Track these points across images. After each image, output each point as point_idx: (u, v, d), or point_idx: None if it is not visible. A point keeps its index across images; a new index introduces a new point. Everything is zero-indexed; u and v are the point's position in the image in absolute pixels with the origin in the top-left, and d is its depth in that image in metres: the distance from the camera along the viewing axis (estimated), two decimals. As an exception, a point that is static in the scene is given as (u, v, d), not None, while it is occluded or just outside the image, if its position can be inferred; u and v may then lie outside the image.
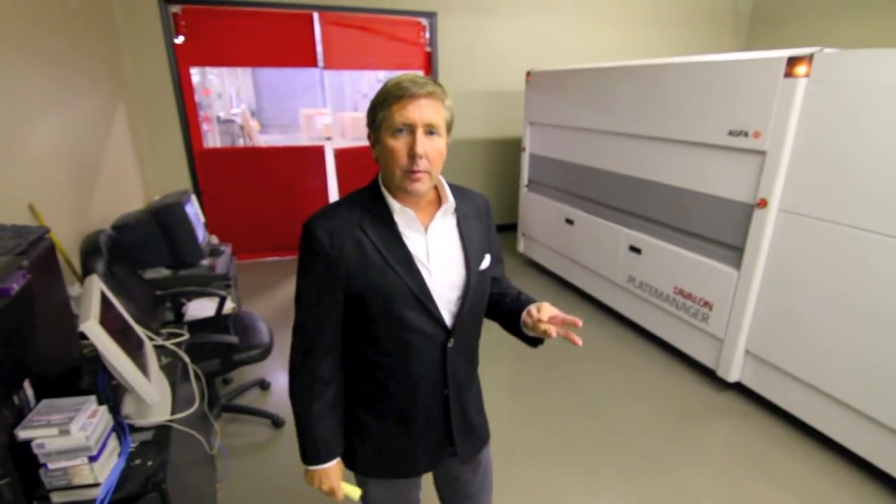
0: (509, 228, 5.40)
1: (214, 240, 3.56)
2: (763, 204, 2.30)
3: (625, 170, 3.21)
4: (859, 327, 2.04)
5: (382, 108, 0.93)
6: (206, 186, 4.29)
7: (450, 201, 1.02)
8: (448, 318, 1.03)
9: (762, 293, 2.42)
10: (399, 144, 0.92)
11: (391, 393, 1.07)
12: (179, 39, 3.91)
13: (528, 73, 4.08)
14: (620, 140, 3.20)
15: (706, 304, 2.69)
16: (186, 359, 1.64)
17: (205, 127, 7.67)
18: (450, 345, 1.04)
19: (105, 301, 1.35)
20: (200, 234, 2.72)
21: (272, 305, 3.74)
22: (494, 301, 1.16)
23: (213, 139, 7.96)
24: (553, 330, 1.03)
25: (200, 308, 2.78)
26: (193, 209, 2.76)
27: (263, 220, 4.55)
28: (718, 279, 2.60)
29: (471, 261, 1.04)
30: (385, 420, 1.09)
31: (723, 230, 2.57)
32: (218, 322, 2.42)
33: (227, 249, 2.96)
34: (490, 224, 1.15)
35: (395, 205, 0.98)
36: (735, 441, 2.39)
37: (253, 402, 2.65)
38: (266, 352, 2.23)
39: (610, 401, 2.67)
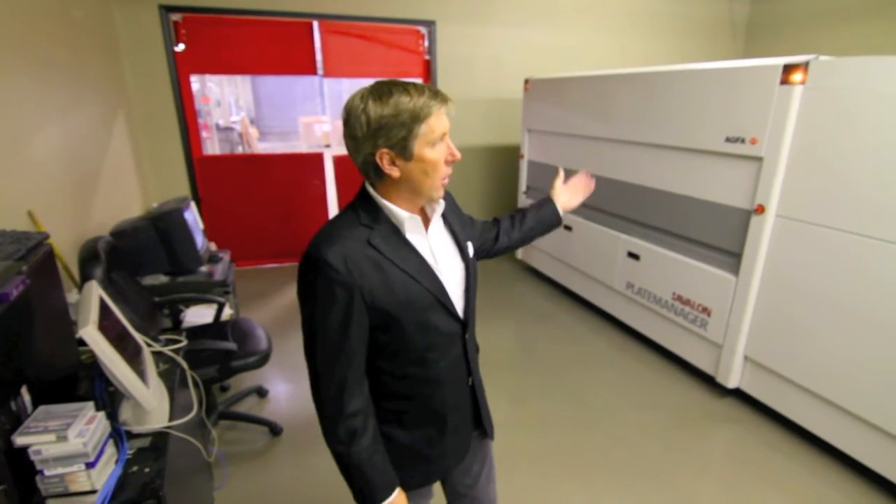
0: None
1: (213, 246, 3.56)
2: (761, 210, 2.31)
3: (623, 176, 3.22)
4: (857, 332, 2.04)
5: (421, 122, 0.89)
6: (205, 193, 4.30)
7: (441, 202, 1.05)
8: (461, 312, 1.06)
9: (760, 299, 2.42)
10: (439, 155, 0.94)
11: (417, 399, 1.06)
12: (180, 47, 3.93)
13: (527, 81, 4.10)
14: (618, 147, 3.22)
15: (705, 310, 2.70)
16: (185, 365, 1.64)
17: (204, 134, 7.69)
18: (467, 336, 1.09)
19: (103, 307, 1.35)
20: (199, 240, 2.72)
21: (271, 312, 3.73)
22: (521, 228, 1.37)
23: (212, 146, 7.98)
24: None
25: (199, 315, 2.78)
26: (192, 216, 2.76)
27: (262, 228, 4.55)
28: (717, 285, 2.60)
29: (465, 253, 1.11)
30: (419, 430, 1.08)
31: (721, 236, 2.58)
32: (216, 329, 2.41)
33: (225, 256, 2.96)
34: (461, 213, 1.22)
35: (404, 214, 0.96)
36: (735, 448, 2.38)
37: (251, 409, 2.64)
38: (264, 358, 2.22)
39: (610, 407, 2.66)
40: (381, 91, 0.90)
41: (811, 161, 2.13)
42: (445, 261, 1.05)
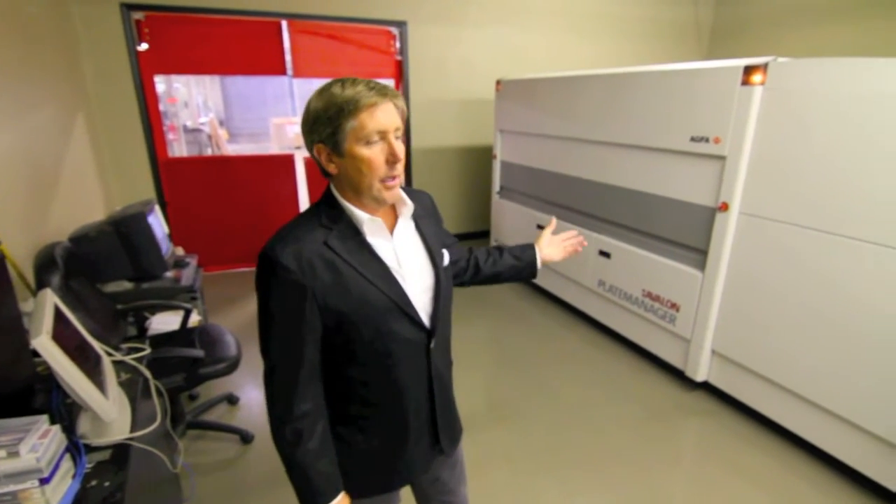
0: (482, 235, 5.43)
1: (180, 251, 3.47)
2: (724, 207, 2.38)
3: (593, 176, 3.27)
4: (816, 324, 2.12)
5: (348, 117, 0.86)
6: (172, 197, 4.19)
7: (409, 204, 1.02)
8: (427, 321, 1.03)
9: (726, 294, 2.49)
10: (375, 153, 0.89)
11: (380, 407, 1.04)
12: (143, 47, 3.82)
13: (498, 82, 4.12)
14: (588, 147, 3.26)
15: (673, 305, 2.76)
16: (147, 374, 1.59)
17: (170, 136, 7.50)
18: (432, 346, 1.04)
19: (59, 316, 1.29)
20: (164, 245, 2.64)
21: (240, 318, 3.65)
22: (494, 264, 1.31)
23: (179, 149, 7.78)
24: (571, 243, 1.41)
25: (165, 322, 2.70)
26: (157, 220, 2.68)
27: (231, 231, 4.45)
28: (684, 281, 2.66)
29: (436, 259, 1.06)
30: (377, 436, 1.06)
31: (687, 233, 2.64)
32: (183, 336, 2.35)
33: (192, 261, 2.89)
34: (439, 219, 1.18)
35: (363, 215, 0.94)
36: (704, 439, 2.44)
37: (221, 417, 2.58)
38: (233, 365, 2.17)
39: (583, 403, 2.69)
40: (324, 85, 0.90)
41: (771, 159, 2.20)
42: (411, 266, 1.02)
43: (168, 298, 2.52)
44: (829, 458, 2.17)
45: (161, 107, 4.70)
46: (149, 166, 4.02)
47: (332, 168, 0.93)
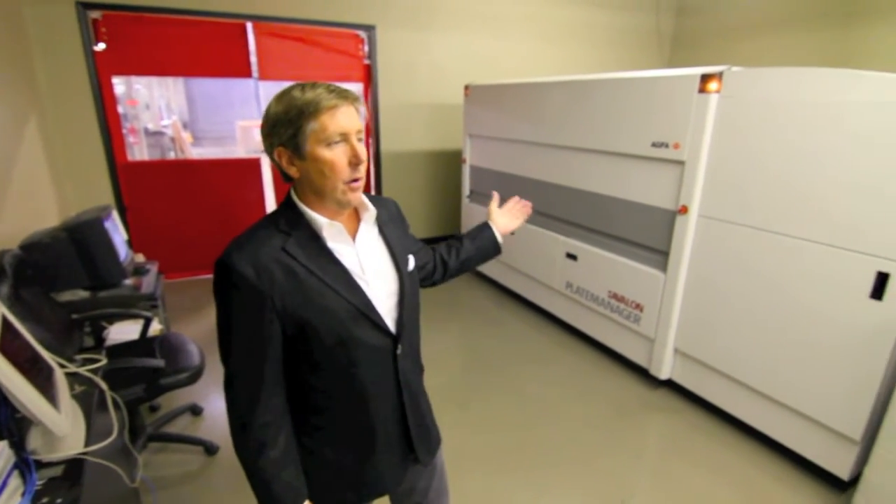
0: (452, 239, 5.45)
1: (141, 258, 3.36)
2: (684, 210, 2.46)
3: (560, 180, 3.33)
4: (771, 321, 2.21)
5: (309, 119, 0.86)
6: (132, 201, 4.05)
7: (370, 209, 1.02)
8: (392, 326, 1.02)
9: (687, 294, 2.57)
10: (338, 155, 0.89)
11: (346, 416, 1.02)
12: (100, 47, 3.69)
13: (467, 87, 4.16)
14: (555, 152, 3.32)
15: (638, 306, 2.83)
16: (103, 386, 1.53)
17: (131, 139, 7.26)
18: (398, 352, 1.03)
19: (7, 327, 1.24)
20: (122, 252, 2.55)
21: (204, 326, 3.56)
22: (458, 254, 1.34)
23: (140, 152, 7.53)
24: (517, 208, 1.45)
25: (124, 331, 2.60)
26: (114, 225, 2.59)
27: (195, 237, 4.33)
28: (647, 282, 2.73)
29: (400, 265, 1.06)
30: (344, 446, 1.04)
31: (650, 236, 2.71)
32: (143, 345, 2.27)
33: (153, 268, 2.80)
34: (405, 225, 1.18)
35: (322, 220, 0.93)
36: (668, 435, 2.51)
37: (184, 429, 2.50)
38: (196, 374, 2.11)
39: (552, 403, 2.73)
40: (284, 89, 0.90)
41: (727, 164, 2.29)
42: (375, 272, 1.01)
43: (127, 307, 2.43)
44: (786, 449, 2.27)
45: (120, 109, 4.55)
46: (107, 170, 3.88)
47: (293, 171, 0.92)
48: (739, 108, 2.21)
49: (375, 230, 1.06)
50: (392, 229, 1.10)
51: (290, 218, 0.94)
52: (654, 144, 2.56)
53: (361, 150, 0.91)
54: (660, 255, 2.68)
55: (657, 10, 5.79)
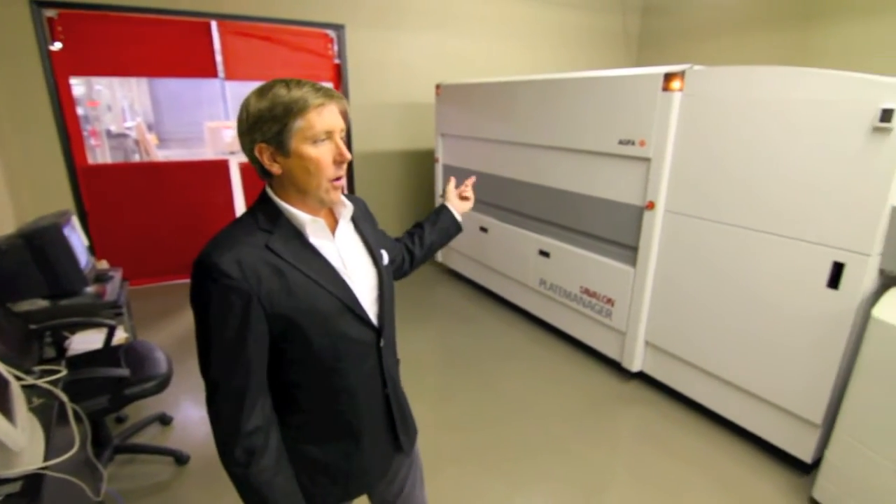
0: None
1: (104, 264, 3.25)
2: (651, 206, 2.51)
3: (531, 178, 3.36)
4: (735, 311, 2.28)
5: (296, 117, 0.86)
6: (93, 206, 3.91)
7: (348, 205, 1.03)
8: (375, 319, 1.04)
9: (656, 288, 2.63)
10: (323, 153, 0.90)
11: (330, 411, 1.01)
12: (56, 46, 3.56)
13: (438, 87, 4.16)
14: (526, 150, 3.35)
15: (609, 300, 2.88)
16: (64, 398, 1.48)
17: (92, 142, 7.01)
18: (381, 344, 1.05)
19: (-45, 339, 1.18)
20: (83, 258, 2.46)
21: (174, 332, 3.47)
22: (421, 241, 1.38)
23: (102, 155, 7.29)
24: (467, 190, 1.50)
25: (87, 341, 2.52)
26: (74, 231, 2.50)
27: (162, 241, 4.21)
28: (618, 277, 2.78)
29: (377, 259, 1.08)
30: (333, 444, 1.03)
31: (619, 231, 2.77)
32: (107, 354, 2.20)
33: (116, 275, 2.71)
34: (374, 221, 1.21)
35: (305, 216, 0.93)
36: (641, 426, 2.56)
37: (153, 439, 2.44)
38: (163, 383, 2.05)
39: (528, 399, 2.75)
40: (264, 86, 0.89)
41: (690, 160, 2.35)
42: (356, 266, 1.02)
43: (89, 315, 2.35)
44: (753, 436, 2.34)
45: (81, 111, 4.40)
46: (66, 174, 3.74)
47: (275, 168, 0.91)
48: (701, 105, 2.27)
49: (352, 226, 1.08)
50: (366, 225, 1.12)
51: (269, 215, 0.93)
52: (621, 142, 2.61)
53: (344, 148, 0.93)
54: (629, 250, 2.73)
55: (623, 10, 5.90)
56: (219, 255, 0.85)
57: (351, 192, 4.82)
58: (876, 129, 1.72)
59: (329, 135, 0.90)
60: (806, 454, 2.14)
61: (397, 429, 1.13)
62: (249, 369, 0.89)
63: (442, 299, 4.16)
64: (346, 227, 1.04)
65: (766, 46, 4.83)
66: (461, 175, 4.12)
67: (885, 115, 1.68)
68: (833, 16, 4.32)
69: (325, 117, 0.89)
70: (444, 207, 1.46)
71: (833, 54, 4.33)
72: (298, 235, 0.94)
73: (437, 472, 2.18)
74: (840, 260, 1.89)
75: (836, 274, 1.91)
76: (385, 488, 1.25)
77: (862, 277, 1.84)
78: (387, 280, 1.09)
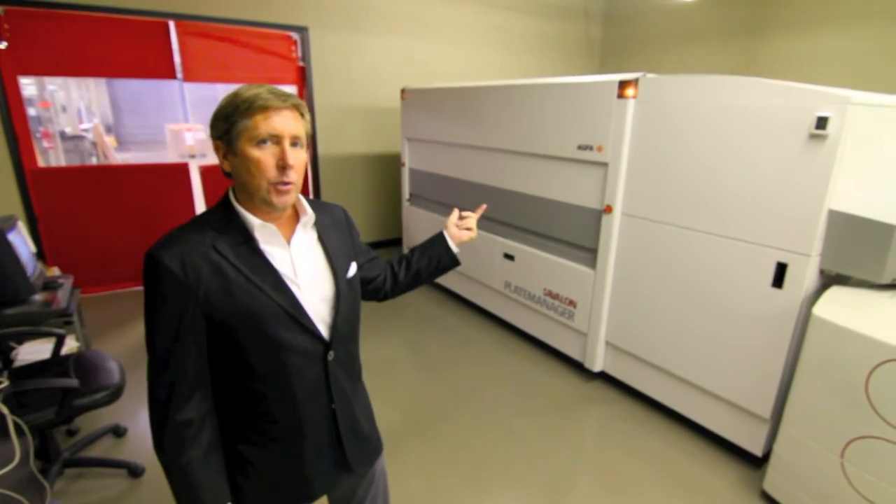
0: (394, 243, 5.44)
1: (56, 271, 3.13)
2: (609, 210, 2.58)
3: (496, 182, 3.40)
4: (689, 311, 2.36)
5: (242, 117, 0.88)
6: (43, 211, 3.75)
7: (308, 213, 1.03)
8: (325, 331, 1.02)
9: (615, 289, 2.69)
10: (265, 155, 0.90)
11: (274, 419, 1.00)
12: (2, 45, 3.41)
13: (403, 91, 4.17)
14: (489, 154, 3.39)
15: (571, 302, 2.93)
16: (4, 410, 1.41)
17: (45, 144, 6.74)
18: (330, 357, 1.03)
19: None
20: (30, 265, 2.36)
21: (130, 340, 3.35)
22: (408, 266, 1.32)
23: (56, 157, 7.00)
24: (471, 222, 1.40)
25: (36, 351, 2.42)
26: (20, 237, 2.39)
27: (117, 248, 4.06)
28: (579, 279, 2.84)
29: (337, 271, 1.06)
30: (271, 449, 1.02)
31: (579, 234, 2.83)
32: (55, 364, 2.11)
33: (66, 282, 2.61)
34: (352, 232, 1.18)
35: (254, 221, 0.94)
36: (603, 425, 2.62)
37: (106, 451, 2.35)
38: (115, 393, 1.98)
39: (492, 401, 2.78)
40: (236, 88, 0.93)
41: (646, 165, 2.42)
42: (308, 276, 1.01)
43: (36, 324, 2.25)
44: (707, 431, 2.42)
45: (32, 111, 4.22)
46: (13, 177, 3.58)
47: (226, 166, 0.95)
48: (653, 112, 2.34)
49: (314, 235, 1.06)
50: (333, 236, 1.10)
51: (225, 216, 0.95)
52: (579, 147, 2.67)
53: (292, 154, 0.92)
54: (589, 252, 2.79)
55: (586, 19, 6.04)
56: (164, 250, 0.88)
57: (317, 197, 4.78)
58: (812, 136, 1.82)
59: (274, 139, 0.90)
60: (756, 448, 2.22)
61: (345, 447, 1.09)
62: (183, 364, 0.91)
63: (410, 302, 4.15)
64: (304, 235, 1.03)
65: (718, 56, 5.04)
66: (427, 180, 4.13)
67: (821, 122, 1.78)
68: (777, 29, 4.55)
69: (272, 120, 0.89)
70: (439, 234, 1.37)
71: (777, 65, 4.55)
72: (250, 239, 0.94)
73: (402, 476, 2.17)
74: (783, 260, 1.98)
75: (780, 274, 2.00)
76: None
77: (804, 277, 1.94)
78: (346, 292, 1.06)
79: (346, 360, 1.09)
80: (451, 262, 1.37)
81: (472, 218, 1.43)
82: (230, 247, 0.92)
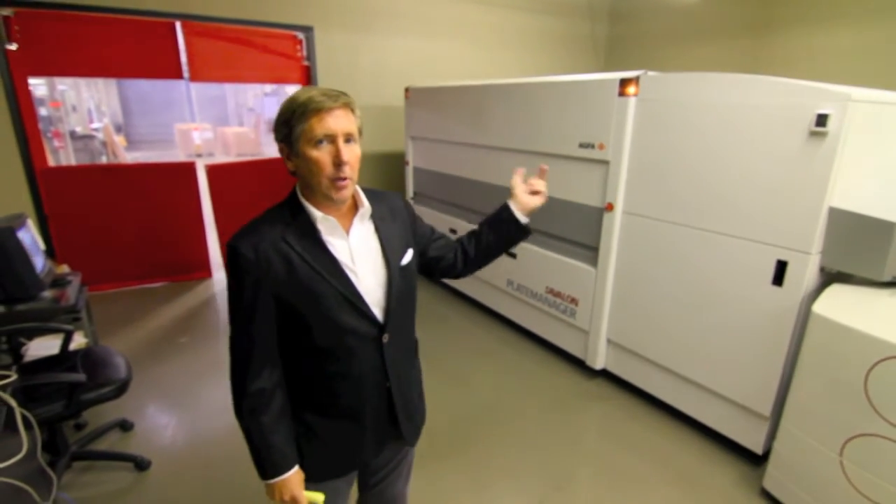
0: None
1: (65, 268, 3.18)
2: (610, 208, 2.58)
3: (499, 181, 3.41)
4: (689, 309, 2.36)
5: (299, 121, 0.96)
6: (54, 209, 3.81)
7: (365, 206, 1.09)
8: (380, 315, 1.09)
9: (616, 287, 2.70)
10: (322, 154, 0.97)
11: (338, 394, 1.10)
12: (12, 46, 3.46)
13: (407, 90, 4.18)
14: (493, 153, 3.40)
15: (573, 300, 2.94)
16: (12, 403, 1.45)
17: (56, 143, 6.83)
18: (385, 340, 1.10)
19: None
20: (39, 262, 2.41)
21: (137, 337, 3.40)
22: (478, 241, 1.32)
23: (66, 157, 7.10)
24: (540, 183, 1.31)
25: (45, 346, 2.46)
26: (29, 235, 2.44)
27: (126, 246, 4.12)
28: (581, 277, 2.85)
29: (391, 259, 1.11)
30: (334, 419, 1.12)
31: (581, 232, 2.83)
32: (63, 360, 2.16)
33: (75, 279, 2.65)
34: (411, 218, 1.24)
35: (317, 214, 1.02)
36: (604, 422, 2.63)
37: (113, 445, 2.39)
38: (122, 388, 2.02)
39: (494, 398, 2.79)
40: (294, 92, 1.00)
41: (647, 163, 2.42)
42: (365, 264, 1.08)
43: (45, 320, 2.30)
44: (708, 429, 2.42)
45: (43, 111, 4.28)
46: (24, 176, 3.64)
47: (290, 166, 1.03)
48: (655, 110, 2.34)
49: (371, 226, 1.12)
50: (390, 224, 1.15)
51: (292, 210, 1.04)
52: (581, 145, 2.68)
53: (346, 151, 0.98)
54: (590, 250, 2.80)
55: (591, 16, 6.02)
56: (241, 240, 1.00)
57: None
58: (813, 133, 1.82)
59: (329, 138, 0.97)
60: (757, 446, 2.22)
61: (399, 421, 1.18)
62: (255, 341, 1.03)
63: (418, 301, 4.18)
64: (361, 226, 1.09)
65: (724, 54, 5.01)
66: (431, 179, 4.15)
67: (821, 119, 1.78)
68: (783, 27, 4.51)
69: (325, 121, 0.96)
70: (504, 205, 1.30)
71: (783, 63, 4.51)
72: (313, 230, 1.03)
73: (401, 472, 2.20)
74: (783, 258, 1.98)
75: (780, 272, 1.99)
76: (371, 472, 1.31)
77: (804, 275, 1.93)
78: (399, 279, 1.12)
79: (402, 342, 1.17)
80: (520, 232, 1.31)
81: (541, 181, 1.31)
82: (296, 237, 1.01)
